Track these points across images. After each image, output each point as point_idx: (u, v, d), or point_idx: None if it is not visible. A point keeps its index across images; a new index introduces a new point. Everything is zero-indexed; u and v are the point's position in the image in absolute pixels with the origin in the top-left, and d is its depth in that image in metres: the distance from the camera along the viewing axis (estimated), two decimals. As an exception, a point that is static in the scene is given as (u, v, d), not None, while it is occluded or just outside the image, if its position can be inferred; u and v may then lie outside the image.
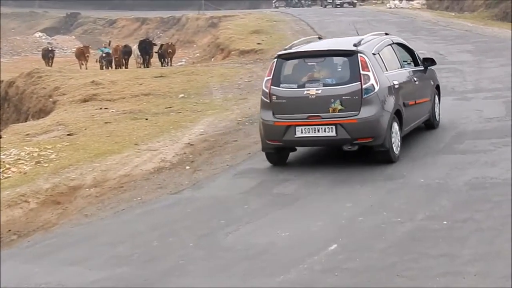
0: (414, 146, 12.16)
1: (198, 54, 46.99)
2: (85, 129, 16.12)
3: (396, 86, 11.41)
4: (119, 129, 15.75)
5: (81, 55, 40.46)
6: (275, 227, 8.51)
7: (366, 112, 10.71)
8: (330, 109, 10.78)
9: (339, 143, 11.05)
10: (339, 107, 10.75)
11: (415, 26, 37.68)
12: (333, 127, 10.77)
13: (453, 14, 46.59)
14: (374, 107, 10.78)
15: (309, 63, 11.41)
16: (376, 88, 10.81)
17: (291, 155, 12.15)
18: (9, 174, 12.44)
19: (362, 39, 11.59)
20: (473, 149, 11.60)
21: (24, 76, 27.59)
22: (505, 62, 21.66)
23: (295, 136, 11.03)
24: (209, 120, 16.27)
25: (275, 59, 11.55)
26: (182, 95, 20.17)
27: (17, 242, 9.36)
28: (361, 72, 10.82)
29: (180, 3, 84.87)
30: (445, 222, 8.06)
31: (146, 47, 37.00)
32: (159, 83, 22.51)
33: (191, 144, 13.93)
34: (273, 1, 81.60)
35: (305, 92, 10.95)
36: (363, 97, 10.73)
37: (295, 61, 11.54)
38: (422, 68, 13.24)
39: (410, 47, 13.47)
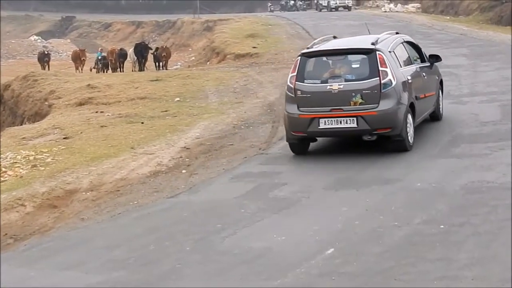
0: (411, 150, 12.17)
1: (193, 58, 47.00)
2: (81, 132, 16.10)
3: (410, 81, 12.38)
4: (115, 133, 15.74)
5: (77, 58, 40.44)
6: (272, 231, 8.52)
7: (384, 105, 11.70)
8: (351, 102, 11.76)
9: (360, 133, 11.97)
10: (360, 100, 11.73)
11: (410, 30, 37.65)
12: (354, 119, 11.74)
13: (448, 17, 46.67)
14: (391, 100, 11.77)
15: (330, 60, 12.50)
16: (394, 83, 11.81)
17: (286, 161, 12.34)
18: (6, 177, 12.40)
19: (379, 38, 12.56)
20: (469, 153, 11.63)
21: (19, 79, 27.54)
22: (500, 65, 21.71)
23: (319, 127, 11.97)
24: (205, 123, 16.27)
25: (299, 57, 12.49)
26: (177, 98, 20.16)
27: (14, 246, 9.33)
28: (380, 68, 11.82)
29: (176, 6, 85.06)
30: (442, 226, 8.07)
31: (141, 50, 36.96)
32: (155, 86, 22.50)
33: (187, 148, 13.93)
34: (268, 5, 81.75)
35: (328, 87, 11.93)
36: (382, 91, 11.73)
37: (318, 58, 12.52)
38: (429, 64, 14.19)
39: (417, 44, 14.41)
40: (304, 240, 8.06)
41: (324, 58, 12.56)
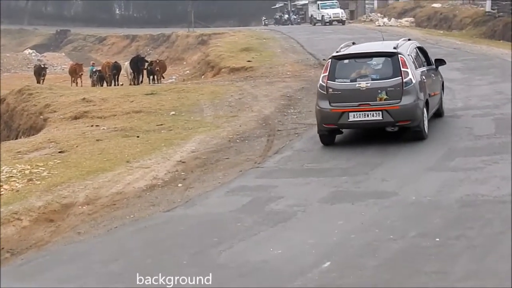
0: (405, 163, 12.24)
1: (188, 71, 47.02)
2: (77, 146, 16.11)
3: (425, 81, 14.24)
4: (111, 147, 15.75)
5: (74, 72, 40.25)
6: (268, 245, 8.56)
7: (406, 100, 13.47)
8: (377, 98, 13.51)
9: (384, 125, 13.74)
10: (385, 96, 13.48)
11: (404, 44, 37.78)
12: (380, 112, 13.50)
13: (442, 32, 46.87)
14: (412, 96, 13.56)
15: (358, 62, 14.19)
16: (414, 81, 13.62)
17: (281, 174, 12.42)
18: (2, 191, 12.41)
19: (398, 43, 14.47)
20: (464, 166, 11.69)
21: (14, 93, 27.52)
22: (493, 79, 21.83)
23: (349, 120, 13.72)
24: (201, 137, 16.30)
25: (330, 59, 14.33)
26: (173, 112, 20.20)
27: (10, 260, 9.34)
28: (402, 69, 13.62)
29: (170, 20, 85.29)
30: (437, 239, 8.12)
31: (137, 63, 36.87)
32: (150, 100, 22.52)
33: (183, 162, 13.96)
34: (263, 19, 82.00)
35: (357, 85, 13.73)
36: (404, 88, 13.51)
37: (347, 60, 14.23)
38: (435, 67, 16.14)
39: (425, 49, 16.19)
40: (300, 254, 8.10)
41: (352, 60, 14.20)
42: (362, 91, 13.58)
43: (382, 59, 13.96)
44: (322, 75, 14.24)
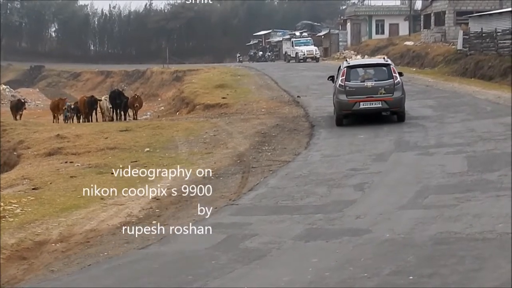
0: (379, 200, 12.31)
1: (163, 108, 47.01)
2: (51, 183, 16.03)
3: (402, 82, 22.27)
4: (85, 183, 15.69)
5: (56, 108, 39.59)
6: (243, 283, 8.56)
7: (396, 94, 21.26)
8: (378, 93, 21.18)
9: (382, 110, 21.58)
10: (383, 91, 21.17)
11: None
12: (380, 102, 21.20)
13: (414, 69, 47.31)
14: (399, 91, 21.37)
15: (365, 70, 22.08)
16: (400, 82, 21.54)
17: (256, 212, 12.47)
18: (-26, 229, 12.30)
19: (387, 59, 23.63)
20: (437, 203, 11.78)
21: (-13, 129, 27.31)
22: (465, 117, 22.06)
23: (360, 107, 21.28)
24: (175, 174, 16.28)
25: (345, 68, 21.92)
26: (147, 149, 20.19)
27: (-18, 299, 9.26)
28: (393, 74, 21.55)
29: (145, 56, 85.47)
30: (411, 277, 8.16)
31: (115, 98, 36.41)
32: (125, 137, 22.51)
33: (157, 199, 13.95)
34: (237, 55, 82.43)
35: (365, 84, 21.48)
36: (395, 86, 21.23)
37: (357, 69, 22.16)
38: None
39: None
40: (275, 292, 8.10)
41: (360, 68, 22.16)
42: (369, 88, 21.23)
43: (380, 68, 22.00)
44: (340, 78, 21.63)
